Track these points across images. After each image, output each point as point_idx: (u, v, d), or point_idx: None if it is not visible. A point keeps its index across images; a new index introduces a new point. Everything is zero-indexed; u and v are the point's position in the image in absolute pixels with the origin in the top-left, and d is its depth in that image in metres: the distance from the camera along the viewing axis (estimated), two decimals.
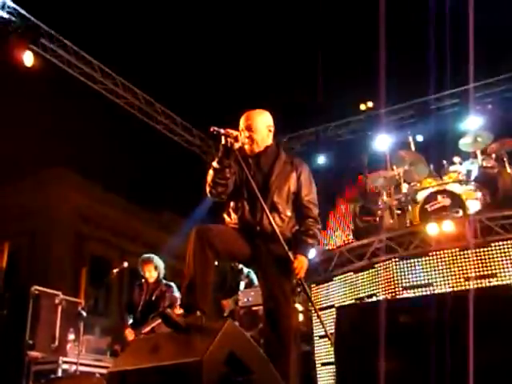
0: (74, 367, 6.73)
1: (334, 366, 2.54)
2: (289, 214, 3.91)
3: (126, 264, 7.09)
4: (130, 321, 6.73)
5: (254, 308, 7.41)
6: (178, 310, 5.60)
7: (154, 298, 6.71)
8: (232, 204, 3.97)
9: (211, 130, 3.73)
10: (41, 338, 6.91)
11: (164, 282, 6.86)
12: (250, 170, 3.87)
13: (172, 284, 6.81)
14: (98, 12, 13.44)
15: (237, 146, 3.75)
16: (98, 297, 17.68)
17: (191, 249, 3.59)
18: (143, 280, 6.90)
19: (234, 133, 3.74)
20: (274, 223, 3.75)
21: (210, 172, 3.84)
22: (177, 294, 6.52)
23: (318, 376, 7.50)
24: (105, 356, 7.42)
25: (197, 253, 3.56)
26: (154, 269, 6.83)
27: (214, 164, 3.80)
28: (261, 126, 3.97)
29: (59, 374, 6.68)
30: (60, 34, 9.79)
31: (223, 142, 3.73)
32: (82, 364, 6.72)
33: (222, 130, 3.71)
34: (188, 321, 3.34)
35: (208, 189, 3.88)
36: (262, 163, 3.98)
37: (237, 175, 3.89)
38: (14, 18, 9.08)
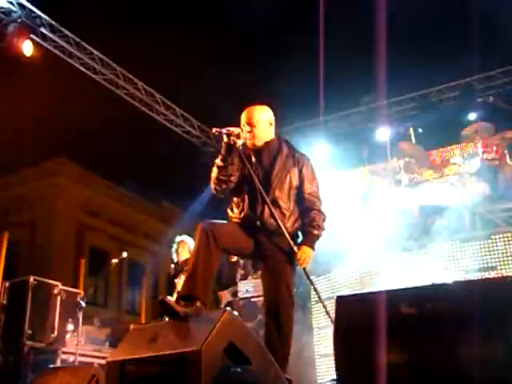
0: (72, 357, 6.74)
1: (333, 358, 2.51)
2: (290, 208, 3.94)
3: (125, 254, 7.10)
4: None
5: (254, 299, 7.41)
6: None
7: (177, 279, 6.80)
8: (234, 199, 4.02)
9: (213, 131, 3.85)
10: (40, 329, 6.90)
11: None
12: (252, 165, 3.91)
13: None
14: (99, 2, 13.40)
15: (239, 142, 3.81)
16: (97, 287, 17.69)
17: (196, 245, 3.65)
18: (172, 265, 7.08)
19: (236, 131, 3.80)
20: (276, 215, 3.78)
21: (214, 169, 3.91)
22: None
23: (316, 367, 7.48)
24: (104, 346, 7.42)
25: (201, 248, 3.60)
26: (188, 251, 6.89)
27: (218, 161, 3.87)
28: (262, 120, 4.02)
29: (58, 364, 6.68)
30: (60, 24, 9.72)
31: (226, 140, 3.78)
32: (80, 354, 6.73)
33: (224, 130, 3.78)
34: (187, 311, 3.34)
35: (212, 186, 3.96)
36: (264, 158, 4.01)
37: (240, 171, 3.93)
38: (13, 8, 9.03)
